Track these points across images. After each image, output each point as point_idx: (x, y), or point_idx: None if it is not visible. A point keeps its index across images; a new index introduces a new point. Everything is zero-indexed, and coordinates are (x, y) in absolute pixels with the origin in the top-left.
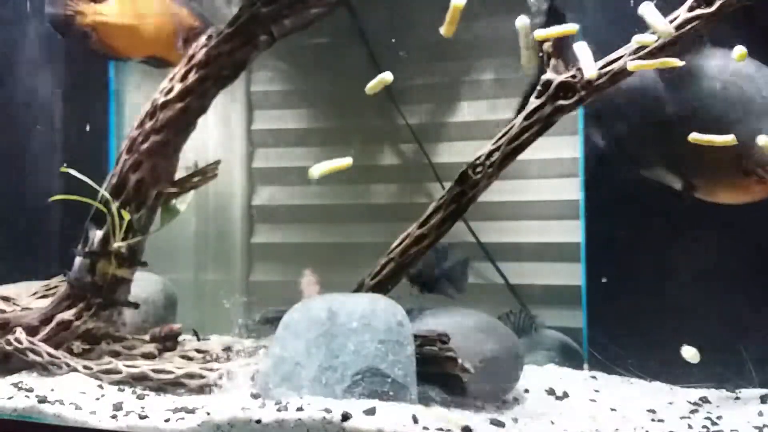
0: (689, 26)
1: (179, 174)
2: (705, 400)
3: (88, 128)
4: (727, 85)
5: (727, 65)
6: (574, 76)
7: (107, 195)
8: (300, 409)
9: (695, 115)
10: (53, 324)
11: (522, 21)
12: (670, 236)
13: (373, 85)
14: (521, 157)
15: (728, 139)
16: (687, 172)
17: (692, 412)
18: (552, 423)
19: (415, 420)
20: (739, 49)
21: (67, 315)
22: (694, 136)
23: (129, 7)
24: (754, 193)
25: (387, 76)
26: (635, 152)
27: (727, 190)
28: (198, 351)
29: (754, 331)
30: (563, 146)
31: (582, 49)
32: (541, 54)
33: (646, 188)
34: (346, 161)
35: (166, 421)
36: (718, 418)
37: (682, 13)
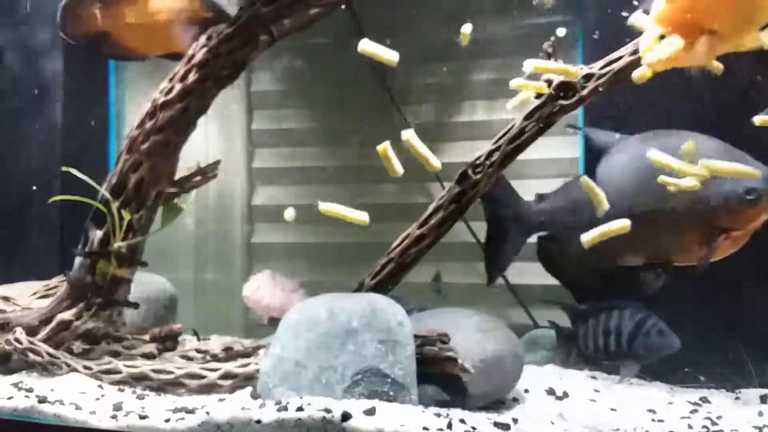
0: None
1: (179, 174)
2: (705, 400)
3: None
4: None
5: (668, 142)
6: None
7: (107, 195)
8: (300, 409)
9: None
10: (53, 324)
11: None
12: None
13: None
14: (521, 157)
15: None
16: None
17: (692, 412)
18: (552, 423)
19: None
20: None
21: (67, 315)
22: (663, 179)
23: (141, 7)
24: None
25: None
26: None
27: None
28: (198, 351)
29: (755, 331)
30: (563, 146)
31: None
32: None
33: None
34: None
35: (166, 421)
36: (718, 418)
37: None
